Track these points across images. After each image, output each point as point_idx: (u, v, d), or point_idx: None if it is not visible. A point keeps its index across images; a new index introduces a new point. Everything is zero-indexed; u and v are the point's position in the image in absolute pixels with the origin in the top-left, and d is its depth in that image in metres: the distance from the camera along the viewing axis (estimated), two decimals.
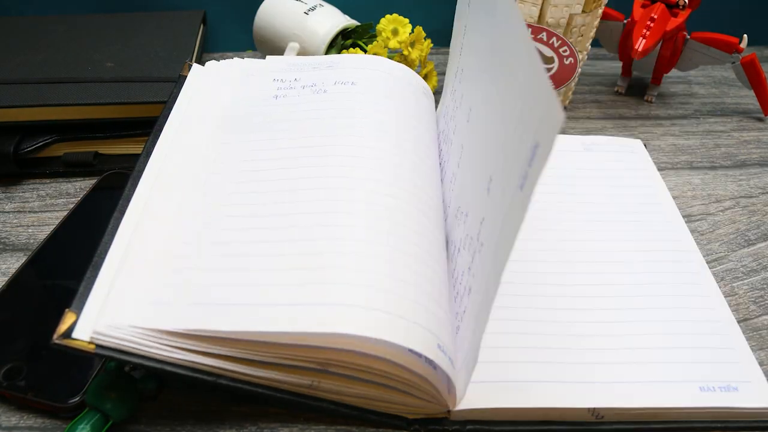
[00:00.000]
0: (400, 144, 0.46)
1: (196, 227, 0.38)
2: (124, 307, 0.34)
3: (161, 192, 0.40)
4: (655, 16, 0.62)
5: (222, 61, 0.52)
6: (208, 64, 0.51)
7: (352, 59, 0.53)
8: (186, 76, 0.50)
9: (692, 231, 0.52)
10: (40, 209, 0.52)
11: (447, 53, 0.78)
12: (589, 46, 0.64)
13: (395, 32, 0.62)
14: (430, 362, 0.35)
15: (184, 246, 0.37)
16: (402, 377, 0.35)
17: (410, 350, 0.33)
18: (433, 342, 0.34)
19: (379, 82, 0.51)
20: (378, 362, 0.34)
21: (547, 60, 0.61)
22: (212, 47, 0.77)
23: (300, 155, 0.44)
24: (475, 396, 0.37)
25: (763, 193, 0.57)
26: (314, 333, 0.32)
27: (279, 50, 0.67)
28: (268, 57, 0.55)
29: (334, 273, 0.35)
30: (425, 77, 0.65)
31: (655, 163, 0.59)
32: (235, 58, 0.54)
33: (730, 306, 0.45)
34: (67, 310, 0.33)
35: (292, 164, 0.43)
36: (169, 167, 0.42)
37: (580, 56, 0.63)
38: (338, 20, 0.65)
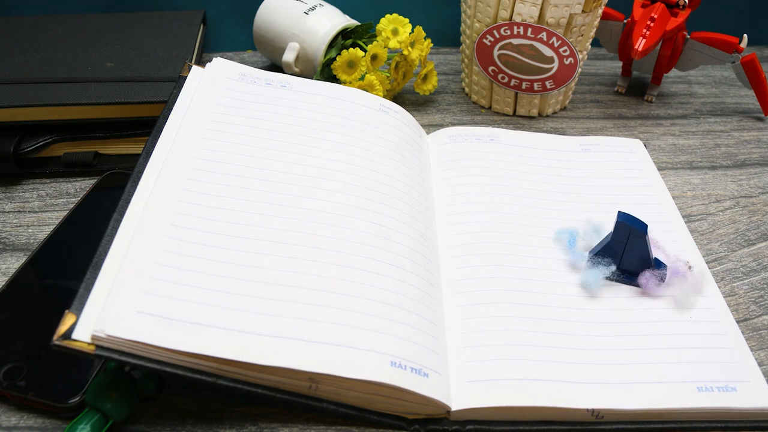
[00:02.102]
0: (391, 172, 0.49)
1: (192, 238, 0.39)
2: (122, 313, 0.34)
3: (160, 196, 0.40)
4: (655, 16, 0.62)
5: (221, 61, 0.52)
6: (208, 64, 0.51)
7: (345, 91, 0.54)
8: (186, 77, 0.50)
9: (692, 231, 0.52)
10: (40, 209, 0.52)
11: (447, 53, 0.78)
12: (589, 46, 0.64)
13: (395, 32, 0.62)
14: (417, 372, 0.36)
15: (181, 258, 0.37)
16: (385, 389, 0.36)
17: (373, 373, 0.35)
18: (384, 361, 0.36)
19: (371, 114, 0.53)
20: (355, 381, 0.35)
21: (547, 60, 0.61)
22: (212, 47, 0.77)
23: (290, 170, 0.45)
24: (474, 395, 0.37)
25: (763, 193, 0.57)
26: (292, 369, 0.34)
27: (279, 50, 0.67)
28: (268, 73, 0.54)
29: (311, 310, 0.37)
30: (425, 77, 0.65)
31: (655, 163, 0.59)
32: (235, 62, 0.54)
33: (729, 306, 0.45)
34: (67, 311, 0.33)
35: (282, 179, 0.44)
36: (168, 169, 0.42)
37: (580, 56, 0.63)
38: (338, 20, 0.65)
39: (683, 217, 0.53)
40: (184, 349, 0.33)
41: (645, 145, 0.60)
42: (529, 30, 0.59)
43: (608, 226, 0.45)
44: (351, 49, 0.60)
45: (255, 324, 0.35)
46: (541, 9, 0.57)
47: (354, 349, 0.36)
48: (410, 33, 0.62)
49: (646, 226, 0.43)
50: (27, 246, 0.49)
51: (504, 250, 0.46)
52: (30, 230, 0.50)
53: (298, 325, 0.36)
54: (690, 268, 0.45)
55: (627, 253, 0.44)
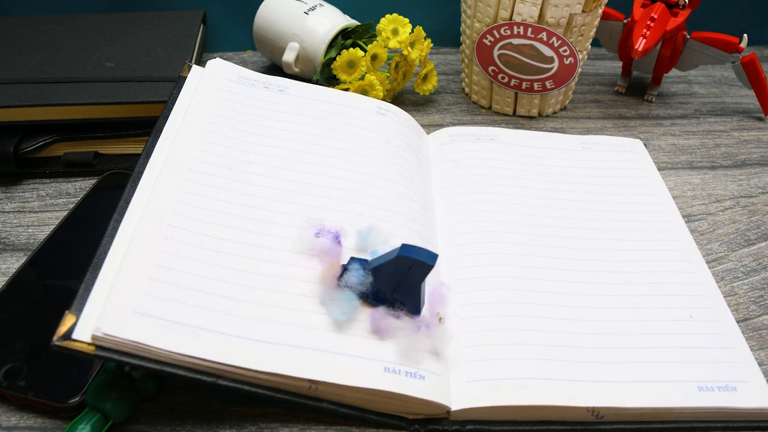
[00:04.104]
0: (388, 173, 0.48)
1: (189, 240, 0.39)
2: (121, 314, 0.34)
3: (159, 197, 0.40)
4: (655, 16, 0.62)
5: (219, 62, 0.52)
6: (208, 63, 0.51)
7: (343, 96, 0.54)
8: (186, 77, 0.50)
9: (692, 231, 0.52)
10: (40, 209, 0.52)
11: (447, 53, 0.78)
12: (589, 46, 0.64)
13: (395, 32, 0.62)
14: (411, 375, 0.36)
15: (178, 260, 0.37)
16: (382, 392, 0.36)
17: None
18: (377, 368, 0.36)
19: (368, 117, 0.53)
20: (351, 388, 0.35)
21: (547, 60, 0.61)
22: (212, 47, 0.77)
23: (288, 174, 0.45)
24: (474, 395, 0.37)
25: (763, 193, 0.57)
26: (290, 376, 0.35)
27: (279, 50, 0.67)
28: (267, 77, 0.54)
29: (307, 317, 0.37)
30: (425, 77, 0.65)
31: (655, 162, 0.59)
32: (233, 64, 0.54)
33: (730, 306, 0.45)
34: (66, 311, 0.33)
35: (280, 183, 0.45)
36: (167, 170, 0.42)
37: (580, 56, 0.63)
38: (338, 20, 0.65)
39: (683, 217, 0.53)
40: (183, 353, 0.33)
41: (645, 145, 0.60)
42: (529, 30, 0.59)
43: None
44: (351, 49, 0.60)
45: (253, 330, 0.36)
46: (541, 9, 0.58)
47: (348, 356, 0.36)
48: (410, 33, 0.62)
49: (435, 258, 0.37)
50: (27, 246, 0.49)
51: (504, 249, 0.46)
52: (30, 230, 0.50)
53: (296, 332, 0.36)
54: (440, 320, 0.40)
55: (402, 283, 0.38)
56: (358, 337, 0.37)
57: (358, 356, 0.36)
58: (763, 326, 0.45)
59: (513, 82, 0.64)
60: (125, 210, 0.39)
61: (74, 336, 0.32)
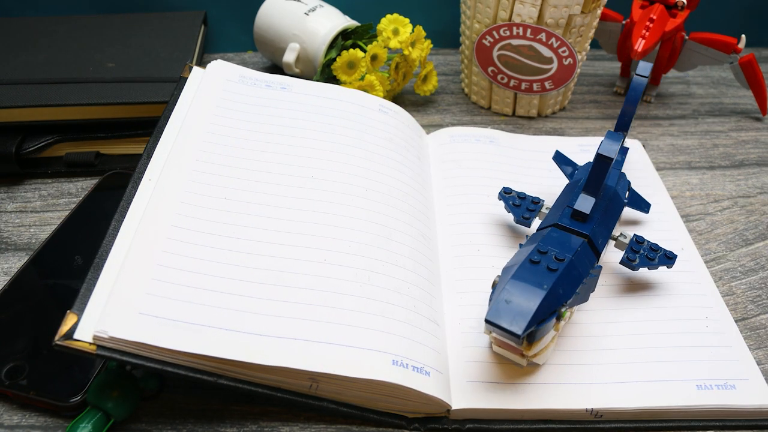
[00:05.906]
0: (389, 170, 0.49)
1: (193, 240, 0.39)
2: (123, 314, 0.34)
3: (161, 197, 0.40)
4: (654, 17, 0.62)
5: (221, 63, 0.52)
6: (208, 66, 0.52)
7: (345, 93, 0.54)
8: (186, 78, 0.50)
9: (690, 231, 0.52)
10: (42, 209, 0.52)
11: (447, 53, 0.78)
12: (588, 47, 0.64)
13: (396, 32, 0.62)
14: (418, 370, 0.36)
15: (182, 260, 0.38)
16: (386, 388, 0.36)
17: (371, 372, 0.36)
18: (386, 360, 0.36)
19: (371, 114, 0.53)
20: (357, 380, 0.35)
21: (546, 60, 0.61)
22: (213, 48, 0.77)
23: (290, 171, 0.45)
24: (474, 395, 0.38)
25: (761, 193, 0.57)
26: (294, 369, 0.35)
27: (279, 51, 0.67)
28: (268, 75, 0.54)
29: (307, 309, 0.37)
30: (425, 78, 0.66)
31: (654, 163, 0.60)
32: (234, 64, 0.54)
33: (728, 305, 0.46)
34: (68, 311, 0.33)
35: (282, 180, 0.45)
36: (169, 171, 0.42)
37: (579, 57, 0.63)
38: (338, 21, 0.65)
39: (682, 217, 0.53)
40: (186, 350, 0.33)
41: (643, 146, 0.60)
42: (528, 31, 0.59)
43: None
44: (351, 50, 0.61)
45: (256, 324, 0.36)
46: (540, 10, 0.58)
47: (356, 348, 0.36)
48: (410, 33, 0.62)
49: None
50: (29, 246, 0.49)
51: (503, 252, 0.47)
52: (32, 230, 0.50)
53: (300, 325, 0.36)
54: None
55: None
56: (365, 329, 0.37)
57: (366, 348, 0.36)
58: (760, 325, 0.45)
59: (512, 83, 0.64)
60: (127, 210, 0.39)
61: (76, 336, 0.33)
